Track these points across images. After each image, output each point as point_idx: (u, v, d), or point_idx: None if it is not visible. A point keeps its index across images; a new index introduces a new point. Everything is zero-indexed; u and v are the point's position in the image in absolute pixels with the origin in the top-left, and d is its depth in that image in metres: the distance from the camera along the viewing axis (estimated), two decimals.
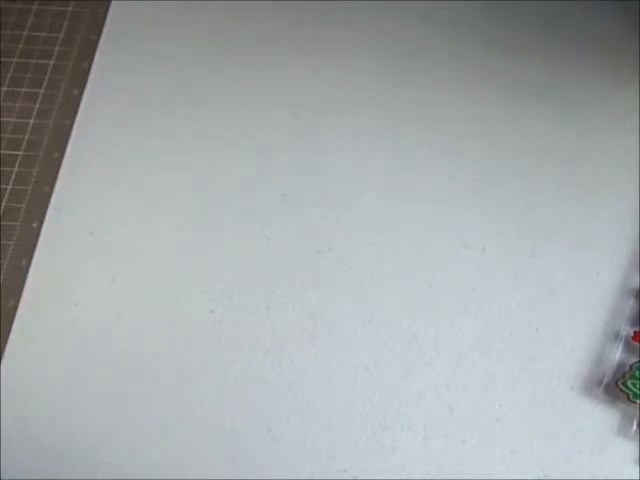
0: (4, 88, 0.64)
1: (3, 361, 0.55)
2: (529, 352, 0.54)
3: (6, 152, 0.61)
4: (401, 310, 0.56)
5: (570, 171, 0.60)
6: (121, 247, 0.58)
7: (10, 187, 0.60)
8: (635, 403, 0.51)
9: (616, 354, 0.53)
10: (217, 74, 0.64)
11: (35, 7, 0.67)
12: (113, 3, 0.67)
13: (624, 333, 0.54)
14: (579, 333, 0.54)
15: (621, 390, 0.51)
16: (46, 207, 0.60)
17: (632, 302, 0.55)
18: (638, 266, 0.56)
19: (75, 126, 0.63)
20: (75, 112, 0.63)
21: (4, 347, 0.55)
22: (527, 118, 0.62)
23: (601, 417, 0.52)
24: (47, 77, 0.64)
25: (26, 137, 0.62)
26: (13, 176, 0.61)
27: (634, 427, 0.51)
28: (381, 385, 0.54)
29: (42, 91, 0.64)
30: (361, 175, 0.60)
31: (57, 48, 0.66)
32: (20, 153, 0.62)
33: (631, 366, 0.52)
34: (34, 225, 0.59)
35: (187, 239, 0.59)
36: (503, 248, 0.58)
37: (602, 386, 0.52)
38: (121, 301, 0.57)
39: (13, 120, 0.63)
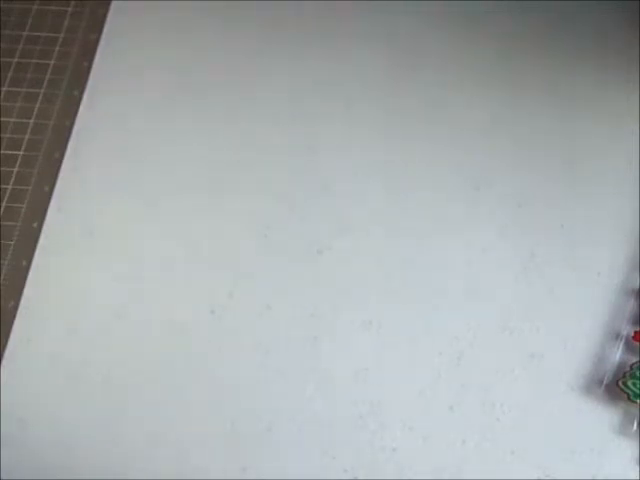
0: (4, 88, 0.64)
1: (3, 361, 0.55)
2: (529, 352, 0.54)
3: (6, 152, 0.62)
4: (401, 310, 0.56)
5: (570, 171, 0.60)
6: (121, 247, 0.58)
7: (10, 187, 0.60)
8: (635, 403, 0.51)
9: (616, 354, 0.53)
10: (217, 74, 0.64)
11: (35, 7, 0.67)
12: (113, 3, 0.67)
13: (624, 333, 0.54)
14: (579, 333, 0.54)
15: (621, 390, 0.51)
16: (46, 207, 0.60)
17: (632, 302, 0.55)
18: (638, 266, 0.56)
19: (75, 126, 0.63)
20: (75, 112, 0.63)
21: (4, 347, 0.55)
22: (527, 117, 0.62)
23: (601, 417, 0.52)
24: (47, 77, 0.64)
25: (26, 137, 0.62)
26: (13, 176, 0.61)
27: (634, 427, 0.51)
28: (381, 385, 0.54)
29: (42, 91, 0.64)
30: (361, 175, 0.60)
31: (57, 48, 0.66)
32: (20, 153, 0.62)
33: (631, 366, 0.52)
34: (34, 225, 0.59)
35: (187, 239, 0.59)
36: (503, 248, 0.58)
37: (602, 386, 0.52)
38: (121, 301, 0.57)
39: (13, 120, 0.63)
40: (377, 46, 0.65)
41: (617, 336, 0.54)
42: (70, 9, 0.67)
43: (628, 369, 0.52)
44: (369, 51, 0.65)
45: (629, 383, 0.51)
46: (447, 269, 0.57)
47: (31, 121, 0.63)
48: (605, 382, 0.52)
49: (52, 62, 0.65)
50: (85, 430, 0.53)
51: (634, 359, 0.53)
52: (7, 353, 0.55)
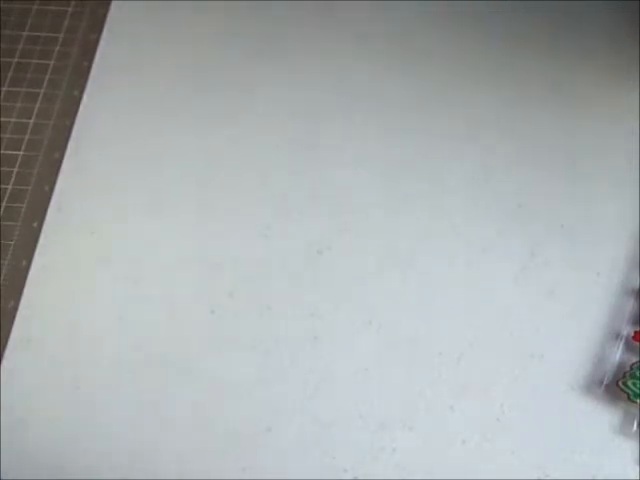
0: (4, 88, 0.64)
1: (3, 361, 0.55)
2: (529, 352, 0.54)
3: (6, 152, 0.62)
4: (401, 310, 0.56)
5: (570, 171, 0.60)
6: (121, 247, 0.58)
7: (10, 187, 0.60)
8: (635, 403, 0.51)
9: (616, 354, 0.53)
10: (217, 73, 0.64)
11: (35, 7, 0.67)
12: (113, 3, 0.67)
13: (624, 333, 0.54)
14: (579, 333, 0.54)
15: (621, 390, 0.51)
16: (46, 207, 0.60)
17: (632, 302, 0.55)
18: (638, 266, 0.56)
19: (75, 126, 0.63)
20: (75, 112, 0.63)
21: (4, 347, 0.55)
22: (528, 117, 0.62)
23: (601, 417, 0.52)
24: (47, 77, 0.64)
25: (26, 137, 0.62)
26: (13, 176, 0.61)
27: (634, 427, 0.51)
28: (381, 385, 0.54)
29: (42, 91, 0.64)
30: (361, 175, 0.60)
31: (57, 48, 0.66)
32: (20, 153, 0.62)
33: (631, 366, 0.52)
34: (34, 225, 0.59)
35: (187, 239, 0.59)
36: (503, 248, 0.58)
37: (602, 386, 0.52)
38: (121, 301, 0.57)
39: (13, 120, 0.63)
40: (378, 45, 0.65)
41: (617, 336, 0.54)
42: (70, 9, 0.67)
43: (628, 369, 0.52)
44: (370, 51, 0.65)
45: (629, 383, 0.51)
46: (447, 269, 0.57)
47: (31, 121, 0.63)
48: (605, 382, 0.52)
49: (52, 62, 0.65)
50: (85, 430, 0.53)
51: (634, 359, 0.53)
52: (7, 353, 0.55)
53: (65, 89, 0.64)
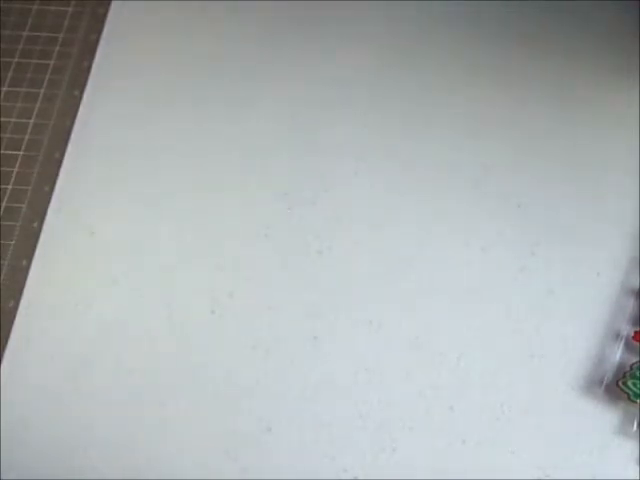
0: (4, 88, 0.64)
1: (3, 361, 0.55)
2: (529, 352, 0.54)
3: (6, 152, 0.62)
4: (401, 310, 0.56)
5: (570, 171, 0.60)
6: (121, 247, 0.58)
7: (10, 187, 0.60)
8: (635, 403, 0.51)
9: (616, 354, 0.53)
10: (217, 74, 0.64)
11: (35, 7, 0.67)
12: (113, 3, 0.67)
13: (624, 333, 0.54)
14: (579, 333, 0.54)
15: (621, 390, 0.51)
16: (46, 207, 0.60)
17: (632, 302, 0.55)
18: (638, 266, 0.56)
19: (75, 126, 0.63)
20: (75, 112, 0.63)
21: (4, 347, 0.55)
22: (528, 118, 0.62)
23: (601, 417, 0.52)
24: (47, 77, 0.64)
25: (26, 137, 0.62)
26: (13, 176, 0.61)
27: (634, 427, 0.51)
28: (381, 385, 0.54)
29: (42, 91, 0.64)
30: (361, 175, 0.60)
31: (57, 48, 0.66)
32: (20, 153, 0.62)
33: (631, 366, 0.52)
34: (34, 225, 0.59)
35: (187, 239, 0.59)
36: (503, 248, 0.58)
37: (603, 386, 0.52)
38: (121, 301, 0.57)
39: (13, 120, 0.63)
40: (378, 46, 0.65)
41: (617, 336, 0.54)
42: (70, 9, 0.67)
43: (628, 369, 0.52)
44: (370, 51, 0.65)
45: (629, 383, 0.51)
46: (447, 269, 0.57)
47: (31, 121, 0.63)
48: (605, 382, 0.52)
49: (52, 62, 0.65)
50: (85, 430, 0.53)
51: (634, 359, 0.53)
52: (7, 353, 0.55)
53: (65, 89, 0.64)
